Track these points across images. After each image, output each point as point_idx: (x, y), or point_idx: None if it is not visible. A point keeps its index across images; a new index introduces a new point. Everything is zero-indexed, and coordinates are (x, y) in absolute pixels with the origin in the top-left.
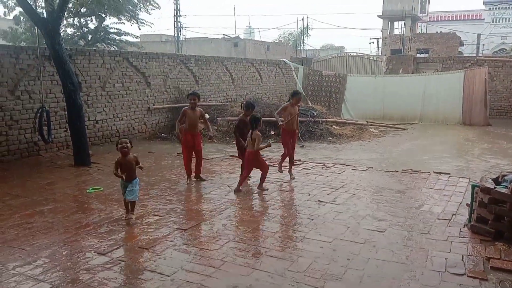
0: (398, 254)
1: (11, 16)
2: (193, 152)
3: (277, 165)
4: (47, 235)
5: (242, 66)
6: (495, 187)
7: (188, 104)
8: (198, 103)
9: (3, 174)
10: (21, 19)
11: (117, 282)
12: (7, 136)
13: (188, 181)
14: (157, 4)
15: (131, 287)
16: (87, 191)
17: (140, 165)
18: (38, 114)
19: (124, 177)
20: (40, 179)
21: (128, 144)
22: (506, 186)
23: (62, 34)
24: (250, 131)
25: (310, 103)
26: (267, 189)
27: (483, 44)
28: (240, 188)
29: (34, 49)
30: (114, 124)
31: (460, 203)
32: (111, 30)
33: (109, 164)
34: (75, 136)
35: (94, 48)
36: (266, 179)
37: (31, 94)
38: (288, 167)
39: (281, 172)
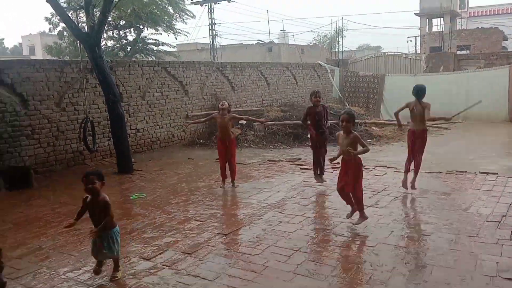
0: (445, 258)
1: (55, 32)
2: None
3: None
4: None
5: (277, 71)
6: None
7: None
8: (230, 109)
9: (52, 183)
10: (65, 34)
11: (162, 287)
12: (54, 147)
13: (221, 185)
14: (192, 13)
15: None
16: (131, 197)
17: (109, 215)
18: (83, 125)
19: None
20: None
21: (97, 182)
22: None
23: (102, 47)
24: (342, 133)
25: (347, 104)
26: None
27: None
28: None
29: (77, 63)
30: (154, 132)
31: (510, 204)
32: (149, 41)
33: (151, 171)
34: (117, 145)
35: (133, 59)
36: (306, 182)
37: (75, 106)
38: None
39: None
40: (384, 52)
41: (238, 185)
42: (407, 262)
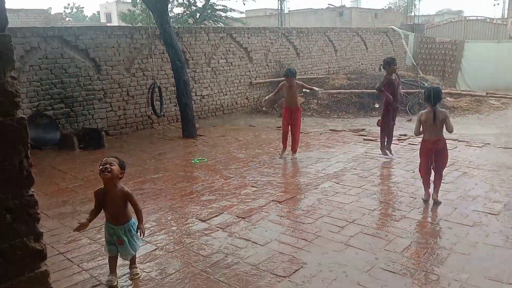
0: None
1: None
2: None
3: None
4: (155, 201)
5: (345, 36)
6: None
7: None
8: (295, 79)
9: (121, 145)
10: (138, 1)
11: (214, 248)
12: (125, 110)
13: (280, 155)
14: None
15: (226, 252)
16: (193, 161)
17: (136, 205)
18: (151, 90)
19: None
20: (152, 149)
21: (114, 166)
22: None
23: (172, 14)
24: (430, 109)
25: (421, 73)
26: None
27: None
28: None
29: (147, 29)
30: (218, 99)
31: None
32: (218, 7)
33: (214, 137)
34: (182, 110)
35: (200, 25)
36: (368, 154)
37: (144, 71)
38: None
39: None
40: (465, 17)
41: (296, 157)
42: (469, 242)
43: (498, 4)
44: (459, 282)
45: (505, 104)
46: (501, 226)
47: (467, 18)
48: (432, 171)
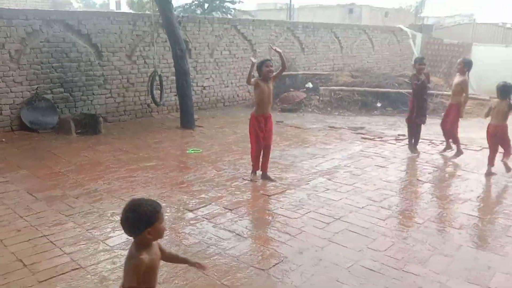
0: (498, 243)
1: None
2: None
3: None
4: (145, 189)
5: (352, 33)
6: None
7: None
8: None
9: (118, 131)
10: None
11: (197, 238)
12: (124, 98)
13: (252, 177)
14: None
15: (209, 243)
16: (187, 151)
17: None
18: (151, 78)
19: None
20: (149, 138)
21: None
22: None
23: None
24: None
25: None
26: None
27: None
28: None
29: (149, 16)
30: (220, 91)
31: None
32: None
33: (212, 128)
34: (181, 100)
35: (205, 16)
36: (364, 152)
37: (145, 59)
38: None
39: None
40: (473, 20)
41: (275, 181)
42: (454, 244)
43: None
44: (438, 283)
45: None
46: (487, 229)
47: (476, 21)
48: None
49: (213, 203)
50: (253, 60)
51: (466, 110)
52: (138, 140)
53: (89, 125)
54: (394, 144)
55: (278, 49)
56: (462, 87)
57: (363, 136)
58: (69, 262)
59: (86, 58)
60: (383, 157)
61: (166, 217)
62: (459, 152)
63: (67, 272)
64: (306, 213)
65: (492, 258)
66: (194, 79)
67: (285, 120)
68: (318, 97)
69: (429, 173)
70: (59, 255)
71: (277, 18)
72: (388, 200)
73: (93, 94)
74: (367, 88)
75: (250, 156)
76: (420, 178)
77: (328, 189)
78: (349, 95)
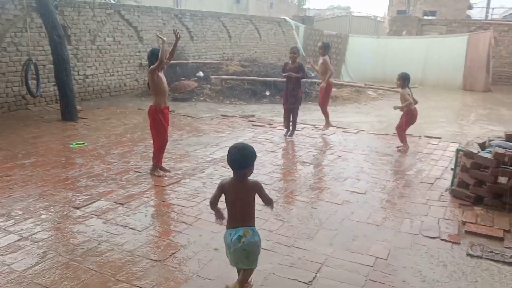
0: (374, 215)
1: None
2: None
3: (267, 126)
4: (24, 188)
5: (240, 23)
6: (478, 152)
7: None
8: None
9: None
10: None
11: (87, 235)
12: None
13: (156, 173)
14: None
15: (100, 240)
16: (71, 145)
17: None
18: (25, 67)
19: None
20: (25, 132)
21: None
22: (490, 151)
23: None
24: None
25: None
26: None
27: (493, 8)
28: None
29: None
30: (105, 80)
31: (446, 167)
32: None
33: (97, 120)
34: (61, 90)
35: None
36: (255, 138)
37: (18, 46)
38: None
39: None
40: (350, 12)
41: (170, 171)
42: (337, 219)
43: (379, 3)
44: (325, 255)
45: (381, 95)
46: (365, 204)
47: (351, 13)
48: None
49: (103, 199)
50: (163, 38)
51: (345, 97)
52: (13, 135)
53: None
54: (282, 130)
55: (164, 38)
56: (326, 65)
57: (254, 123)
58: None
59: None
60: (272, 143)
61: (50, 216)
62: (327, 124)
63: None
64: (202, 200)
65: (370, 228)
66: (75, 67)
67: (177, 110)
68: (209, 86)
69: (313, 156)
70: None
71: (164, 5)
72: (279, 182)
73: None
74: (256, 77)
75: (143, 149)
76: (305, 161)
77: (222, 176)
78: (239, 84)
